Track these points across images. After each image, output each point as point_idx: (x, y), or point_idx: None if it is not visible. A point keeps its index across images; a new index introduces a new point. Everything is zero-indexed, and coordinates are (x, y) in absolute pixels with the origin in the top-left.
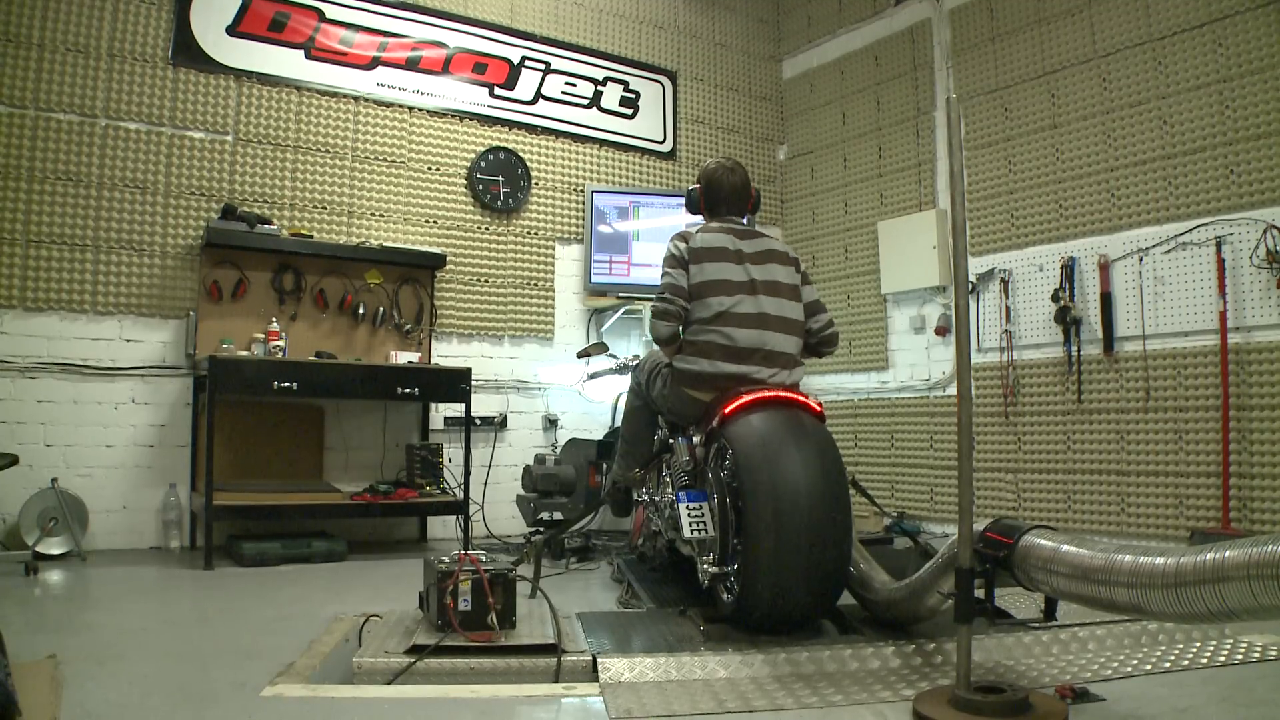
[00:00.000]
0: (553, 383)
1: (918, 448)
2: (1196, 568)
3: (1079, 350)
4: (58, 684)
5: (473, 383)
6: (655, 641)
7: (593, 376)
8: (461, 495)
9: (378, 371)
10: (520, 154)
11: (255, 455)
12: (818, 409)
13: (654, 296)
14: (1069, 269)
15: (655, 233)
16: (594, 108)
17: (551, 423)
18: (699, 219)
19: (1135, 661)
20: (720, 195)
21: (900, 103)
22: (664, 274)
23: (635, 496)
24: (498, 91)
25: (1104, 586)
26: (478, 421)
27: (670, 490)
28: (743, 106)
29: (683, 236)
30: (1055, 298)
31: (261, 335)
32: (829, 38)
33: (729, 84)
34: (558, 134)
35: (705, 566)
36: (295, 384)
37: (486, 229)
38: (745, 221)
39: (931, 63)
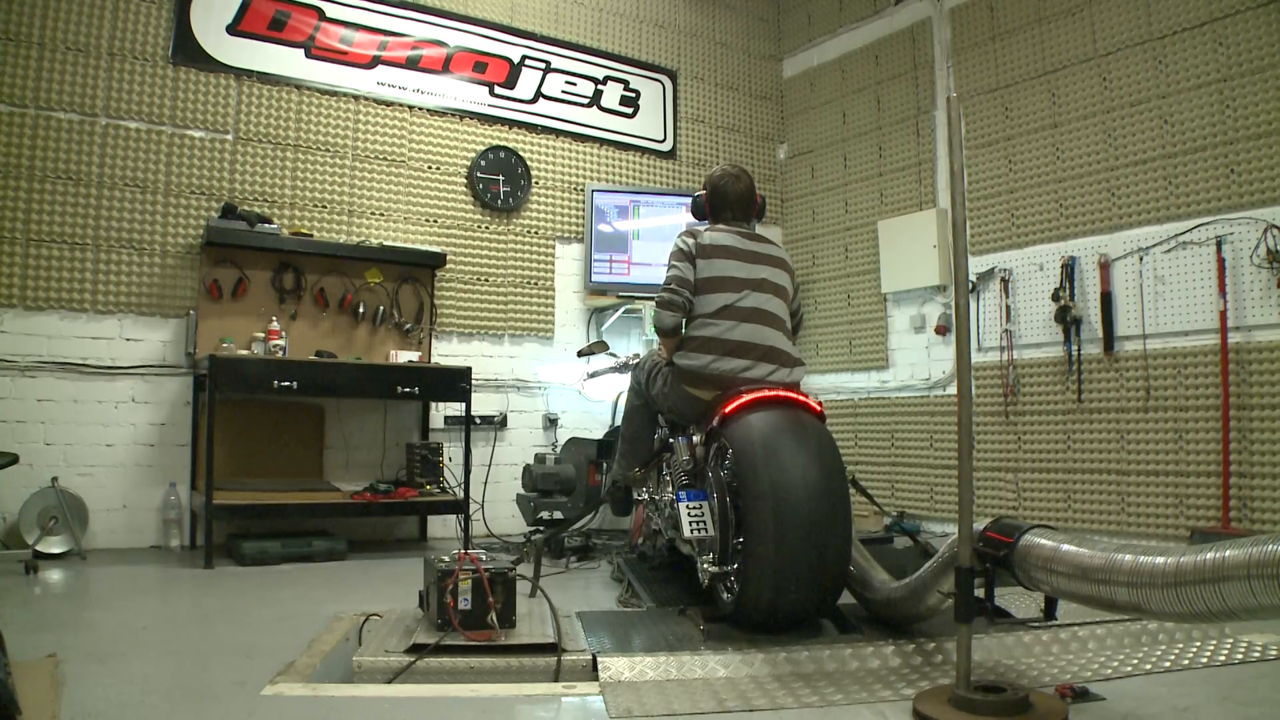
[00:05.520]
0: (553, 382)
1: (918, 447)
2: (1197, 567)
3: (1079, 349)
4: (58, 683)
5: (473, 382)
6: (655, 641)
7: (593, 375)
8: (461, 494)
9: (378, 371)
10: (520, 153)
11: (255, 454)
12: (818, 408)
13: (659, 287)
14: (1069, 268)
15: (655, 232)
16: (594, 107)
17: (551, 422)
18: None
19: (1135, 661)
20: (726, 202)
21: (900, 102)
22: (670, 267)
23: (635, 496)
24: (498, 90)
25: (1104, 586)
26: (478, 420)
27: (670, 489)
28: (743, 105)
29: (691, 233)
30: (1055, 297)
31: (262, 334)
32: (829, 37)
33: (729, 83)
34: (558, 133)
35: (705, 566)
36: (295, 383)
37: (487, 228)
38: (750, 227)
39: (932, 62)
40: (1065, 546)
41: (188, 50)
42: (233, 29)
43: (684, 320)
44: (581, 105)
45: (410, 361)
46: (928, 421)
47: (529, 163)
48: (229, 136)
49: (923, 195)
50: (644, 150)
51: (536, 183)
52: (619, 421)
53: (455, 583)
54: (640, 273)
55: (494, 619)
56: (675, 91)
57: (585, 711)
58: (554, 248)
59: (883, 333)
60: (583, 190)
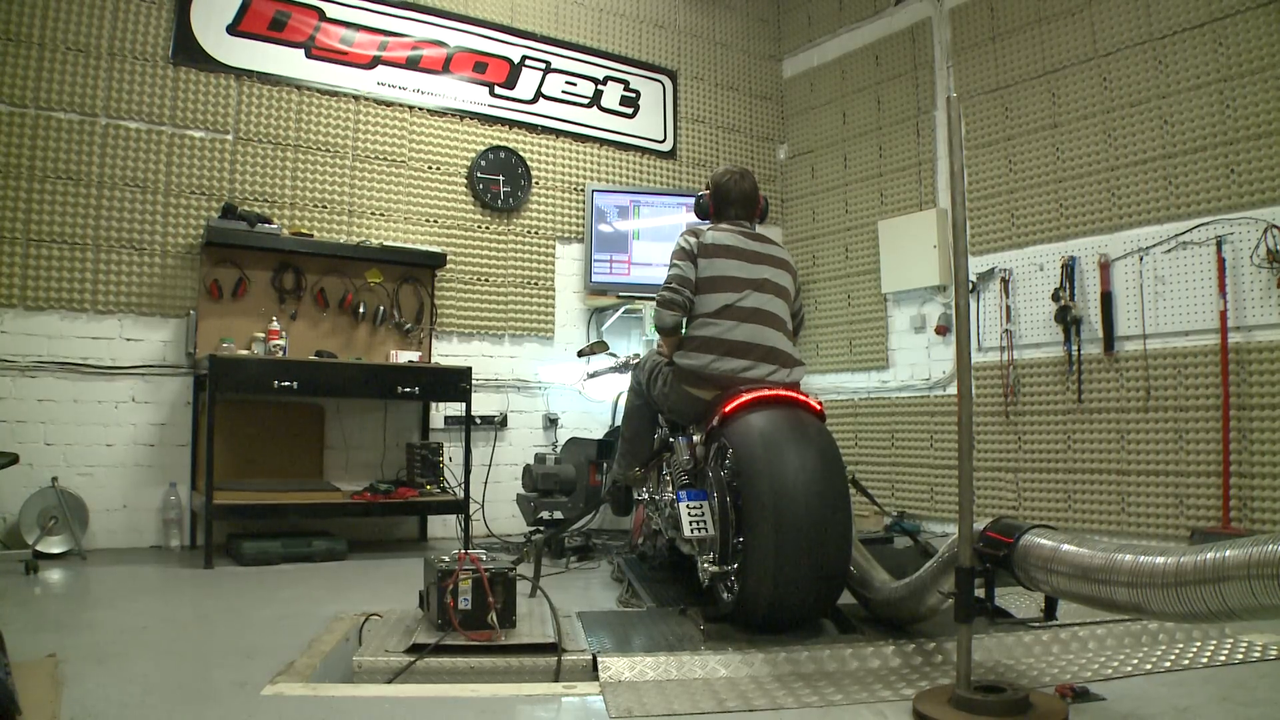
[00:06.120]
0: (553, 382)
1: (918, 447)
2: (1197, 567)
3: (1079, 349)
4: (58, 683)
5: (473, 382)
6: (655, 641)
7: (593, 375)
8: (462, 494)
9: (378, 371)
10: (521, 153)
11: (255, 454)
12: (818, 408)
13: (660, 286)
14: (1069, 268)
15: (655, 232)
16: (594, 107)
17: (552, 422)
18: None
19: (1135, 661)
20: (729, 201)
21: (900, 102)
22: (672, 265)
23: (635, 495)
24: (498, 91)
25: (1104, 586)
26: (478, 420)
27: (670, 489)
28: (743, 106)
29: (693, 232)
30: (1055, 297)
31: (262, 334)
32: (829, 37)
33: (729, 83)
34: (558, 133)
35: (705, 566)
36: (295, 383)
37: (487, 228)
38: (752, 227)
39: (932, 62)
40: (1065, 546)
41: (188, 50)
42: (233, 29)
43: (685, 319)
44: (581, 105)
45: (410, 361)
46: (928, 421)
47: (529, 163)
48: (229, 136)
49: (923, 195)
50: (644, 150)
51: (536, 183)
52: (619, 421)
53: (455, 583)
54: (640, 273)
55: (494, 619)
56: (675, 92)
57: (585, 711)
58: (554, 248)
59: (883, 333)
60: (583, 190)
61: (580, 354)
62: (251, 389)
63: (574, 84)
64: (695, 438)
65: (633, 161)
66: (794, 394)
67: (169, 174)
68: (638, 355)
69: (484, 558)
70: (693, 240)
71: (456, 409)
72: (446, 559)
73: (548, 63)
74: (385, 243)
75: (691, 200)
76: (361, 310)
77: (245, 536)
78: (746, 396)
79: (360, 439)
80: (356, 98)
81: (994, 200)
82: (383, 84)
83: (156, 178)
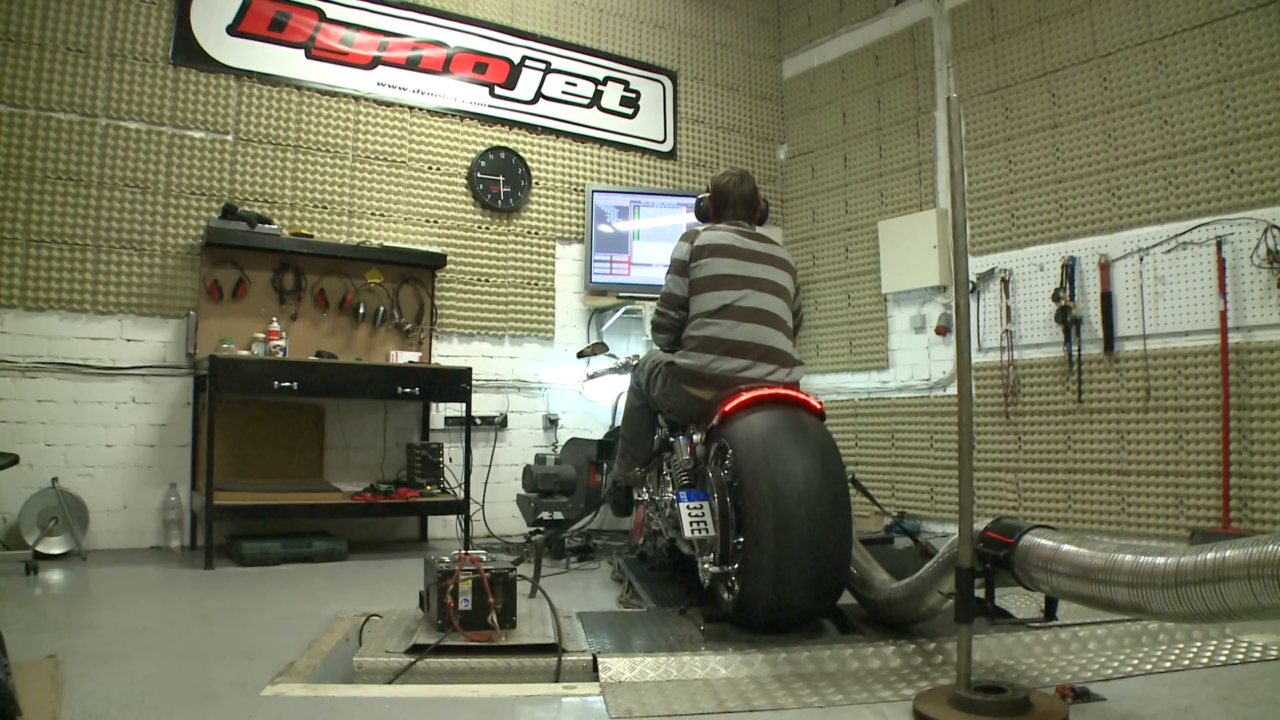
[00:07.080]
0: (553, 382)
1: (918, 447)
2: (1197, 567)
3: (1079, 350)
4: (58, 683)
5: (473, 382)
6: (656, 641)
7: (593, 376)
8: (462, 495)
9: (378, 371)
10: (521, 153)
11: (256, 455)
12: (818, 408)
13: (657, 298)
14: (1069, 268)
15: (655, 232)
16: (594, 107)
17: (552, 422)
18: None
19: (1136, 661)
20: (728, 201)
21: (900, 102)
22: (665, 279)
23: (636, 496)
24: (498, 91)
25: (1104, 586)
26: (478, 421)
27: (671, 490)
28: (743, 106)
29: (688, 235)
30: (1056, 297)
31: (262, 335)
32: (829, 37)
33: (729, 84)
34: (558, 134)
35: (706, 566)
36: (295, 383)
37: (487, 228)
38: (751, 228)
39: (932, 62)
40: (1065, 547)
41: (188, 51)
42: (233, 29)
43: (680, 329)
44: (582, 106)
45: (410, 362)
46: (928, 422)
47: (529, 163)
48: (229, 137)
49: (923, 195)
50: (644, 151)
51: (536, 183)
52: (619, 422)
53: (455, 583)
54: (640, 273)
55: (494, 619)
56: (675, 92)
57: (586, 712)
58: (554, 248)
59: (883, 333)
60: (583, 191)
61: (580, 355)
62: (251, 389)
63: (574, 84)
64: (695, 438)
65: (633, 162)
66: (794, 393)
67: (169, 174)
68: (637, 356)
69: (484, 558)
70: (686, 247)
71: (456, 409)
72: (447, 559)
73: (548, 63)
74: (385, 243)
75: (691, 200)
76: (361, 311)
77: (245, 537)
78: (746, 396)
79: (360, 439)
80: (356, 98)
81: (994, 200)
82: (383, 84)
83: (156, 178)
